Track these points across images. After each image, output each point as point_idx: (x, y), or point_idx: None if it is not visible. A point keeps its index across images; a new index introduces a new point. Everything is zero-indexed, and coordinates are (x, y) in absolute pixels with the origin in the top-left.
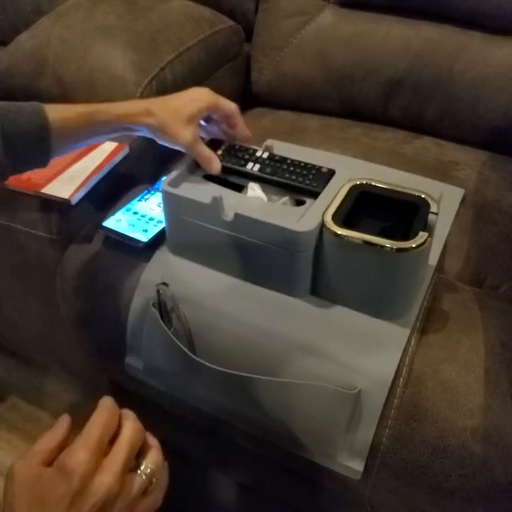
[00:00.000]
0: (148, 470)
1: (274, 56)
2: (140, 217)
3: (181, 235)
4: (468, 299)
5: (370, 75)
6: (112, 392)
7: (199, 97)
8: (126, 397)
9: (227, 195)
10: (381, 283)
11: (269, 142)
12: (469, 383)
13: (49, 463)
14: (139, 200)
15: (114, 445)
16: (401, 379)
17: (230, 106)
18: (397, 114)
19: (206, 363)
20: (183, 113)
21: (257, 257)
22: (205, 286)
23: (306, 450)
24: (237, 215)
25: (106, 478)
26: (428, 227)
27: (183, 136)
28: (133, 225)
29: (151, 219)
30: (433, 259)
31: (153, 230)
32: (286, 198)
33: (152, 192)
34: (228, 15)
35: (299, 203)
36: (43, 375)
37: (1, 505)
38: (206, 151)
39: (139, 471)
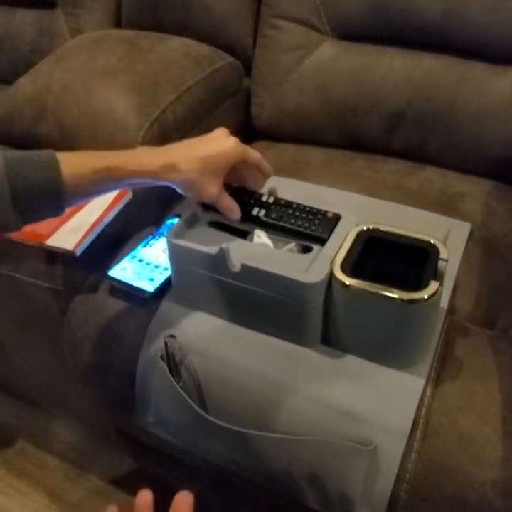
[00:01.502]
0: None
1: (275, 91)
2: (145, 264)
3: (188, 285)
4: (482, 344)
5: (371, 107)
6: (121, 439)
7: (227, 148)
8: (136, 445)
9: (233, 243)
10: (393, 332)
11: (272, 184)
12: (487, 434)
13: None
14: (144, 246)
15: None
16: (418, 432)
17: (256, 156)
18: (400, 146)
19: (217, 421)
20: (211, 168)
21: (265, 306)
22: (213, 336)
23: (324, 505)
24: (244, 266)
25: None
26: (438, 275)
27: (210, 192)
28: (139, 274)
29: (157, 266)
30: (444, 301)
31: (159, 279)
32: (292, 245)
33: (157, 237)
34: (227, 50)
35: (306, 248)
36: (51, 419)
37: None
38: (230, 202)
39: None
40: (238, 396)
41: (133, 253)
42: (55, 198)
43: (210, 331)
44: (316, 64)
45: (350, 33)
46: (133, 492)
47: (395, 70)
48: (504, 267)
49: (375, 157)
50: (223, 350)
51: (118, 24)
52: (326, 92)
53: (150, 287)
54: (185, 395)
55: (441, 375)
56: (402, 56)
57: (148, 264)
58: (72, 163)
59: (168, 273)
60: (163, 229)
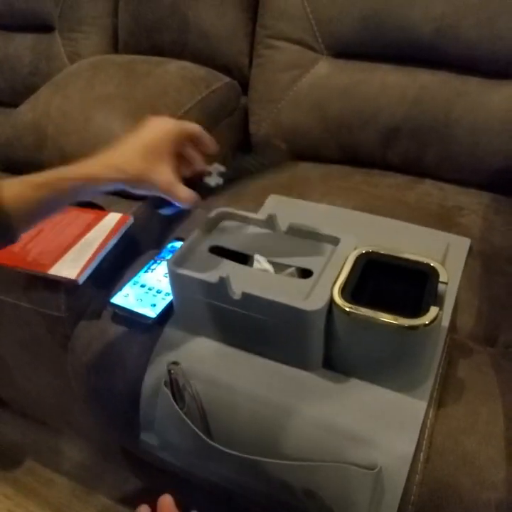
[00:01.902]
0: None
1: (271, 109)
2: (147, 290)
3: (190, 312)
4: (483, 362)
5: (367, 123)
6: (126, 459)
7: (165, 129)
8: (141, 465)
9: (233, 270)
10: (394, 357)
11: (271, 210)
12: (491, 455)
13: None
14: (146, 271)
15: None
16: (422, 454)
17: (197, 128)
18: (397, 160)
19: (221, 447)
20: (153, 154)
21: (267, 332)
22: (216, 361)
23: None
24: (244, 294)
25: None
26: (438, 299)
27: (160, 181)
28: (141, 300)
29: (159, 291)
30: (445, 320)
31: (162, 304)
32: (292, 269)
33: (158, 261)
34: (224, 70)
35: (305, 272)
36: (58, 438)
37: None
38: (184, 191)
39: None
40: (241, 421)
41: (135, 279)
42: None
43: (212, 357)
44: (311, 82)
45: (344, 51)
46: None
47: (390, 86)
48: (504, 281)
49: (372, 171)
50: (226, 376)
51: (115, 47)
52: (322, 109)
53: (152, 313)
54: (189, 421)
55: (444, 396)
56: (396, 72)
57: (150, 289)
58: (13, 185)
59: (170, 298)
60: (165, 253)
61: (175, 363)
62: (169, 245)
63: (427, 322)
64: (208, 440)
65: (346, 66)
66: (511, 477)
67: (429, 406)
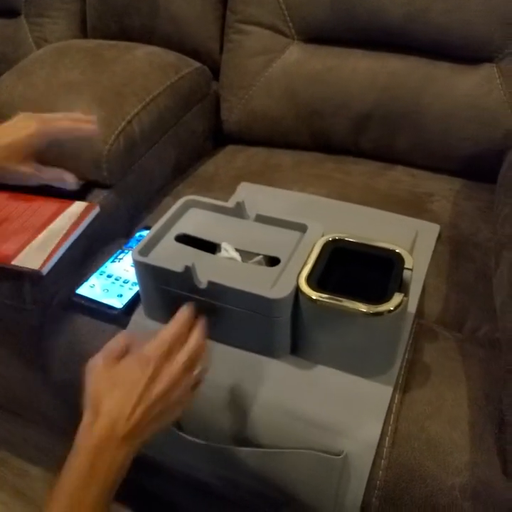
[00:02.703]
0: (199, 373)
1: (243, 95)
2: (114, 280)
3: (156, 301)
4: (450, 348)
5: (339, 109)
6: None
7: (28, 134)
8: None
9: (199, 258)
10: (360, 343)
11: (241, 198)
12: (455, 440)
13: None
14: (113, 261)
15: (180, 351)
16: (387, 439)
17: (62, 125)
18: (369, 146)
19: (188, 437)
20: (17, 155)
21: (234, 321)
22: None
23: None
24: (210, 283)
25: (174, 371)
26: (403, 286)
27: (26, 173)
28: (107, 290)
29: (126, 281)
30: (412, 305)
31: (129, 294)
32: (260, 257)
33: (126, 251)
34: (193, 56)
35: (273, 260)
36: (32, 429)
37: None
38: (55, 173)
39: (194, 372)
40: (210, 410)
41: (101, 269)
42: None
43: None
44: (282, 67)
45: (315, 36)
46: (115, 499)
47: (361, 72)
48: (472, 267)
49: (345, 159)
50: None
51: (84, 32)
52: (293, 95)
53: (119, 304)
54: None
55: (410, 381)
56: (367, 58)
57: (117, 279)
58: None
59: (137, 288)
60: (132, 242)
61: None
62: (137, 234)
63: (391, 308)
64: (175, 430)
65: (317, 51)
66: (475, 460)
67: (395, 391)
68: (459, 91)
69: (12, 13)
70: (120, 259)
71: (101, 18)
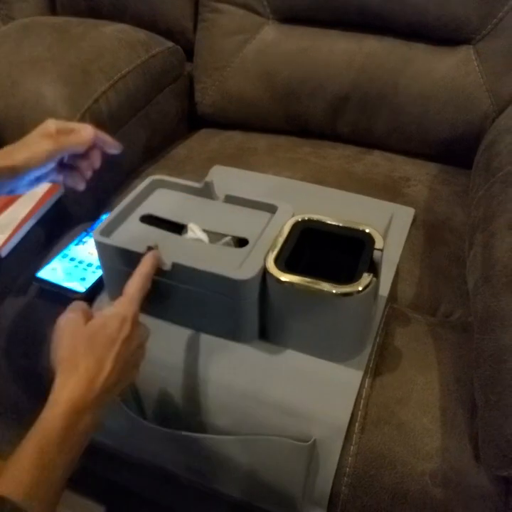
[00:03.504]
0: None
1: (217, 76)
2: (77, 263)
3: (120, 285)
4: (422, 332)
5: (315, 91)
6: None
7: (41, 151)
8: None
9: (164, 239)
10: (329, 326)
11: (209, 178)
12: (425, 425)
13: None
14: (77, 244)
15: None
16: (357, 424)
17: (81, 140)
18: (346, 130)
19: (152, 425)
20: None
21: (200, 304)
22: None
23: (266, 502)
24: (175, 265)
25: (142, 329)
26: (373, 266)
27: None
28: (70, 274)
29: (89, 265)
30: (385, 289)
31: (92, 278)
32: (228, 238)
33: (90, 234)
34: (166, 35)
35: (242, 241)
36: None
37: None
38: (74, 139)
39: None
40: (175, 397)
41: (64, 252)
42: None
43: None
44: (258, 48)
45: (291, 16)
46: (85, 493)
47: (338, 53)
48: (447, 251)
49: (322, 143)
50: (158, 351)
51: (53, 10)
52: (269, 77)
53: (81, 288)
54: (118, 399)
55: (380, 366)
56: (344, 38)
57: (80, 262)
58: None
59: (100, 272)
60: (96, 223)
61: None
62: (103, 217)
63: (359, 289)
64: (137, 417)
65: (293, 32)
66: (446, 446)
67: (365, 376)
68: (437, 73)
69: None
70: (84, 242)
71: None
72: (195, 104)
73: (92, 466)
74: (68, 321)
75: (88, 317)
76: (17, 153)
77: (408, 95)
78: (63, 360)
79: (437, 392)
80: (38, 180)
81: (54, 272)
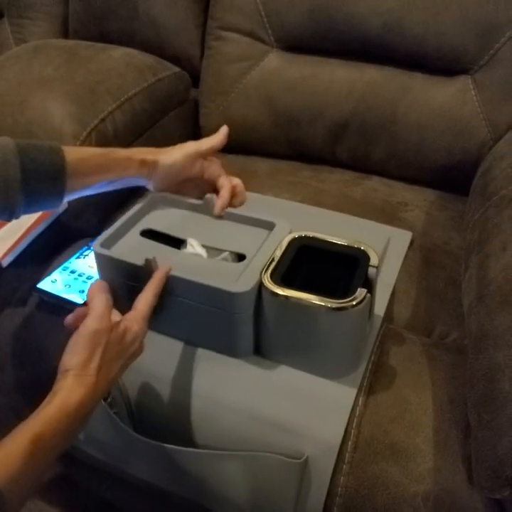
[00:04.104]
0: None
1: (221, 101)
2: (77, 276)
3: (117, 297)
4: (417, 352)
5: (316, 118)
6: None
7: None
8: (73, 462)
9: (163, 253)
10: (323, 341)
11: (209, 196)
12: (418, 445)
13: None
14: (78, 257)
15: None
16: (349, 443)
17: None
18: (345, 155)
19: (144, 439)
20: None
21: (195, 318)
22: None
23: None
24: (171, 277)
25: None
26: (368, 282)
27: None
28: (69, 286)
29: (89, 278)
30: (380, 308)
31: None
32: (226, 254)
33: (91, 248)
34: (173, 61)
35: (240, 257)
36: None
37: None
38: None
39: None
40: (167, 411)
41: (65, 265)
42: (59, 181)
43: None
44: (261, 75)
45: (294, 44)
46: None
47: (338, 81)
48: (443, 274)
49: (321, 168)
50: (154, 365)
51: (64, 35)
52: (271, 103)
53: (80, 300)
54: (110, 411)
55: (374, 384)
56: (345, 67)
57: (80, 275)
58: (74, 150)
59: None
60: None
61: None
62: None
63: (354, 303)
64: (129, 430)
65: (296, 60)
66: (438, 467)
67: (358, 394)
68: (435, 102)
69: None
70: (85, 255)
71: (82, 22)
72: (199, 129)
73: (85, 484)
74: (95, 337)
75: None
76: (169, 152)
77: (406, 123)
78: (77, 367)
79: (431, 413)
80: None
81: (54, 283)
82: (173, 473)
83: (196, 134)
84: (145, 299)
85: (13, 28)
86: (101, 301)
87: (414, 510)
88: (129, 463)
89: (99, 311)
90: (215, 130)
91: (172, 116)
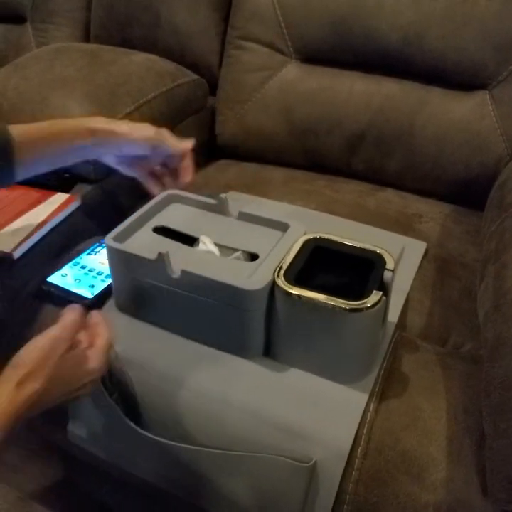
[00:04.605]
0: None
1: (238, 109)
2: (88, 271)
3: (128, 292)
4: (430, 360)
5: (333, 129)
6: (57, 457)
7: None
8: (73, 463)
9: (175, 249)
10: (336, 344)
11: (223, 196)
12: (431, 453)
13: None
14: (89, 253)
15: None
16: (359, 449)
17: (181, 145)
18: (361, 167)
19: (150, 435)
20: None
21: (206, 315)
22: (152, 347)
23: None
24: (184, 272)
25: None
26: (383, 285)
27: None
28: (79, 281)
29: (100, 273)
30: (394, 315)
31: (101, 286)
32: (239, 253)
33: (103, 245)
34: (192, 69)
35: (253, 257)
36: None
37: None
38: (173, 141)
39: None
40: (175, 410)
41: (76, 260)
42: (5, 152)
43: (149, 342)
44: (279, 85)
45: (313, 56)
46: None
47: (356, 93)
48: (458, 285)
49: (336, 178)
50: (161, 362)
51: (86, 40)
52: (288, 113)
53: (89, 294)
54: (116, 407)
55: (386, 390)
56: (363, 80)
57: (90, 270)
58: (20, 125)
59: (110, 281)
60: None
61: None
62: None
63: (368, 305)
64: (136, 427)
65: (314, 71)
66: (452, 477)
67: (370, 399)
68: (452, 116)
69: (18, 19)
70: (96, 252)
71: (104, 27)
72: (215, 137)
73: (85, 487)
74: (55, 342)
75: (72, 346)
76: (121, 124)
77: (424, 136)
78: (30, 370)
79: (444, 421)
80: (122, 161)
81: (64, 277)
82: (177, 473)
83: (212, 142)
84: (105, 337)
85: (36, 33)
86: (72, 314)
87: None
88: (133, 462)
89: (65, 321)
90: (231, 138)
91: (189, 123)
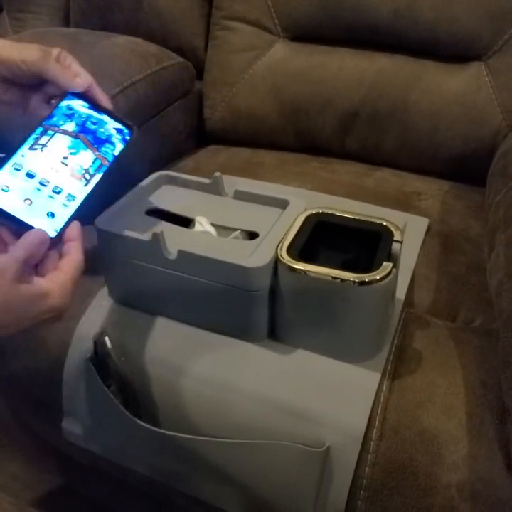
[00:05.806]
0: None
1: (226, 92)
2: (39, 185)
3: (122, 278)
4: (442, 335)
5: (325, 108)
6: (54, 458)
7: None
8: (70, 464)
9: (170, 230)
10: (345, 322)
11: (217, 174)
12: (451, 431)
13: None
14: (32, 147)
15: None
16: (374, 430)
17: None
18: (355, 146)
19: (152, 428)
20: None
21: (206, 299)
22: (150, 334)
23: None
24: (181, 253)
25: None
26: (392, 257)
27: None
28: (30, 202)
29: (57, 191)
30: (401, 292)
31: (63, 213)
32: (237, 232)
33: (50, 132)
34: (178, 53)
35: (252, 236)
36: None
37: None
38: (69, 74)
39: None
40: (177, 400)
41: (15, 160)
42: None
43: (146, 330)
44: (268, 65)
45: (301, 34)
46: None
47: (348, 70)
48: (464, 260)
49: (330, 159)
50: (161, 351)
51: (67, 27)
52: (278, 93)
53: (50, 229)
54: (115, 399)
55: (399, 368)
56: (354, 56)
57: (42, 184)
58: None
59: (75, 204)
60: (58, 115)
61: (102, 334)
62: (64, 104)
63: (378, 277)
64: (135, 419)
65: (303, 49)
66: (474, 454)
67: (382, 378)
68: (447, 89)
69: None
70: (42, 145)
71: (84, 14)
72: (203, 122)
73: (85, 490)
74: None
75: (26, 278)
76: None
77: (418, 112)
78: None
79: (462, 396)
80: None
81: (6, 192)
82: (180, 466)
83: (201, 127)
84: (76, 262)
85: (13, 22)
86: (36, 237)
87: (447, 503)
88: (133, 458)
89: (26, 241)
90: (220, 122)
91: (176, 107)
